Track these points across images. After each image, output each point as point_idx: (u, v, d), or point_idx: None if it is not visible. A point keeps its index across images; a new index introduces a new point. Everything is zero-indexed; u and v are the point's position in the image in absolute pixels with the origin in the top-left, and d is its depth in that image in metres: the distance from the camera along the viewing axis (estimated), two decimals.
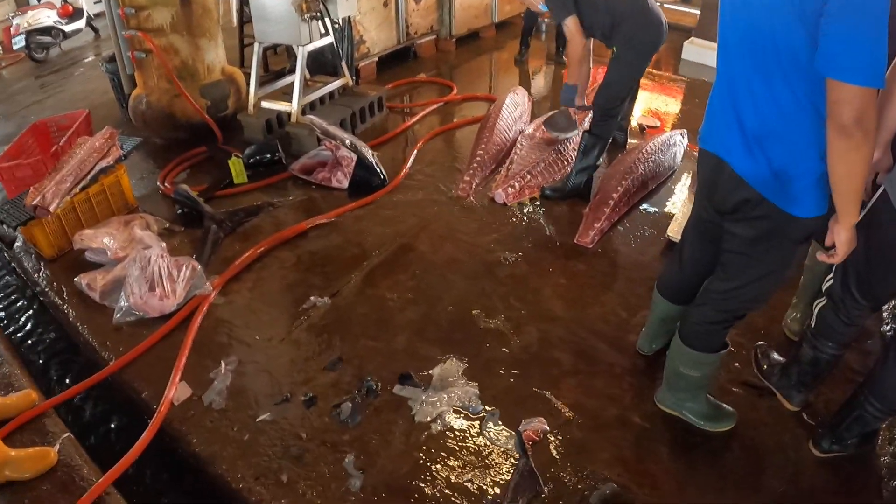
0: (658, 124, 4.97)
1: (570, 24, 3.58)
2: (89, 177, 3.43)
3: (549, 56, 6.71)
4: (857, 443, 2.26)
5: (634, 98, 4.43)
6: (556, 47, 6.56)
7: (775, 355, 2.65)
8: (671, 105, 5.48)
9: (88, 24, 7.55)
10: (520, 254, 3.39)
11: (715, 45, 6.05)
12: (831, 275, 2.24)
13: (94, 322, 2.95)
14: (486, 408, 2.48)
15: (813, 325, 2.34)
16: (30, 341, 3.17)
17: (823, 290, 2.29)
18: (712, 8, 6.59)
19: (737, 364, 2.69)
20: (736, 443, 2.37)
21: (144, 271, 2.96)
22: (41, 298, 3.28)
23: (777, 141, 1.76)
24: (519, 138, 4.30)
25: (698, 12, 7.01)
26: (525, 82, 6.05)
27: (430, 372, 2.63)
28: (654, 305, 2.60)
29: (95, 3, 7.85)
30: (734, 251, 2.02)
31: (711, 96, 1.99)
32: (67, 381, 2.89)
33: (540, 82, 6.15)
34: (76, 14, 7.46)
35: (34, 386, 2.55)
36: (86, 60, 6.89)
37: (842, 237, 1.74)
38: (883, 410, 2.14)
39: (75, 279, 3.12)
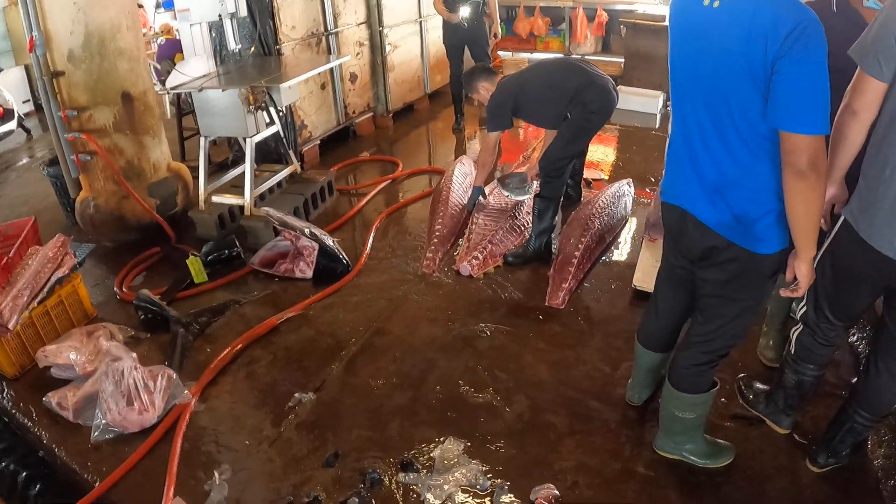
0: (603, 176, 5.15)
1: (494, 138, 3.91)
2: (46, 289, 3.32)
3: (482, 121, 6.82)
4: (851, 452, 2.38)
5: (585, 154, 4.55)
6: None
7: (758, 384, 2.76)
8: (610, 155, 5.70)
9: (20, 125, 7.33)
10: (495, 323, 3.42)
11: (640, 90, 6.39)
12: (803, 302, 2.36)
13: (70, 442, 2.81)
14: (494, 482, 2.46)
15: (793, 352, 2.45)
16: (4, 472, 2.94)
17: (798, 317, 2.42)
18: (635, 56, 6.97)
19: (723, 399, 2.78)
20: (737, 474, 2.45)
21: (119, 385, 2.86)
22: (7, 420, 3.08)
23: (736, 189, 1.88)
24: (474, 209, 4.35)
25: (622, 60, 7.35)
26: (463, 149, 6.19)
27: (431, 455, 2.59)
28: (637, 357, 2.67)
29: (24, 102, 7.70)
30: (709, 295, 2.12)
31: (668, 150, 2.11)
32: None
33: (477, 147, 6.26)
34: (6, 115, 7.20)
35: None
36: (20, 164, 6.70)
37: (802, 270, 1.86)
38: (872, 419, 2.27)
39: (44, 398, 2.98)
